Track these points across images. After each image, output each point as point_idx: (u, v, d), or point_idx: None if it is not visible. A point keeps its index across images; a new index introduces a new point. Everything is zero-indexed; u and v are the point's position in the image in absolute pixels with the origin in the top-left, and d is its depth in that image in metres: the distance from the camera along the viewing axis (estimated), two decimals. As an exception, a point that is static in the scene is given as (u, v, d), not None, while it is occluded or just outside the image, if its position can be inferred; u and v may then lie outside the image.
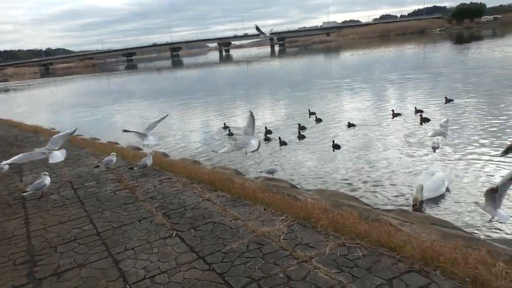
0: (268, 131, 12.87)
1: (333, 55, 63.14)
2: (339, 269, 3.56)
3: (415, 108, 13.80)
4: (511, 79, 18.59)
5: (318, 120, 14.08)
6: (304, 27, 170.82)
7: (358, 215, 4.73)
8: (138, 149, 12.15)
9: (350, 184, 8.24)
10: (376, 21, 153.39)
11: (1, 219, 5.69)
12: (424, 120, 12.38)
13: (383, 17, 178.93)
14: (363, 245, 3.94)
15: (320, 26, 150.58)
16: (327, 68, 42.11)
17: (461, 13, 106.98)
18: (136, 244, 4.45)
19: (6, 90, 62.77)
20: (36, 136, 12.89)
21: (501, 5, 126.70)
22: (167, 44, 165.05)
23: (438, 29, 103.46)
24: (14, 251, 4.59)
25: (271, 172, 8.36)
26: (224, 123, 15.15)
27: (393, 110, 13.90)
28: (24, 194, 6.42)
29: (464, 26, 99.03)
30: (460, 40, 60.98)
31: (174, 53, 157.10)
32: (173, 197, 5.93)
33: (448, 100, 14.83)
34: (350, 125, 12.74)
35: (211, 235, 4.49)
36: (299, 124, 13.13)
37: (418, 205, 6.57)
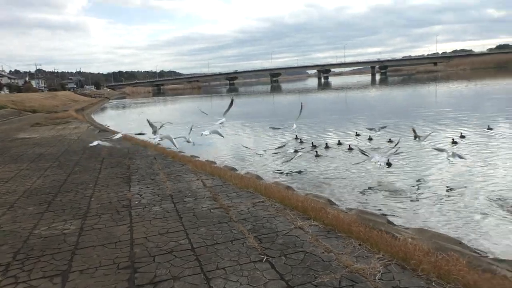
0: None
1: (440, 86, 59.54)
2: (443, 322, 3.20)
3: None
4: None
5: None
6: (410, 56, 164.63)
7: (466, 263, 4.27)
8: (234, 169, 12.55)
9: (447, 223, 7.55)
10: (492, 51, 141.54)
11: (110, 224, 6.23)
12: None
13: (499, 46, 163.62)
14: (472, 299, 3.51)
15: (427, 55, 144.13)
16: (430, 99, 39.80)
17: None
18: (227, 264, 4.52)
19: (123, 107, 70.17)
20: (145, 150, 14.05)
21: None
22: (267, 70, 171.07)
23: None
24: (118, 256, 4.96)
25: None
26: (296, 135, 18.37)
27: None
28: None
29: None
30: None
31: (273, 79, 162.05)
32: (265, 221, 5.95)
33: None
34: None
35: (302, 265, 4.38)
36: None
37: None
